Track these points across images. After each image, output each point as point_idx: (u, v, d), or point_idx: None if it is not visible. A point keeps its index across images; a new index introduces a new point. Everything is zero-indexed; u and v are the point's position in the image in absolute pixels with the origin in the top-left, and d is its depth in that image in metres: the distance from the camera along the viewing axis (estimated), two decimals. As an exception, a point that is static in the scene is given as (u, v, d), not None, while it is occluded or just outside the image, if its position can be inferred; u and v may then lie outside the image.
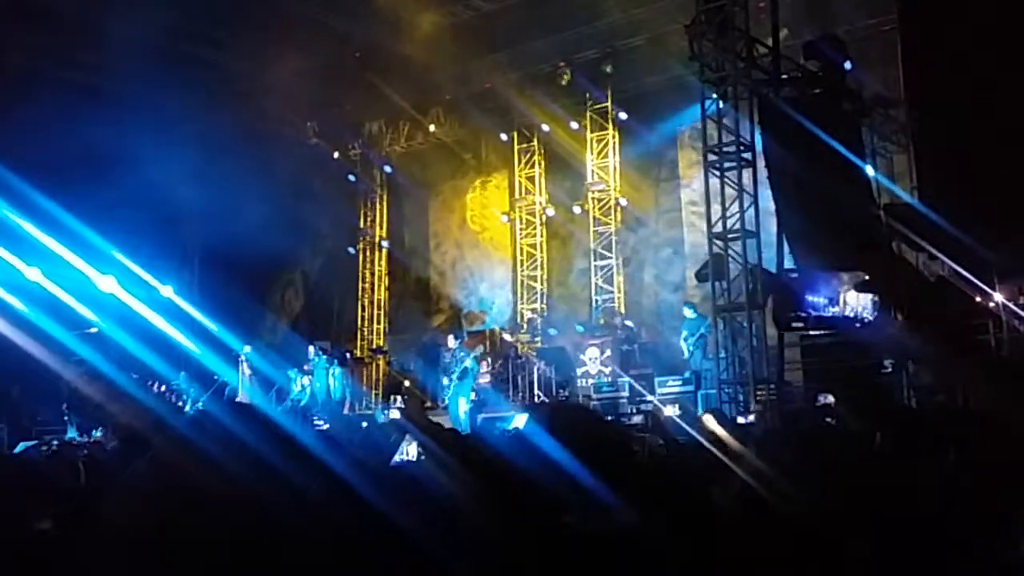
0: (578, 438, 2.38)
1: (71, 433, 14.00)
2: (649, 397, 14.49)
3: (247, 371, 17.36)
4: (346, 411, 16.88)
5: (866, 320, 12.16)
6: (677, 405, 13.57)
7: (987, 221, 11.72)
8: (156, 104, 16.68)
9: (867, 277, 12.19)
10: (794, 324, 12.31)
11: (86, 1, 14.98)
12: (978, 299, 12.77)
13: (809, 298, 12.04)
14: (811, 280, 12.17)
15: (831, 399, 10.32)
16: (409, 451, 3.89)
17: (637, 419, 12.76)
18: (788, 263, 12.81)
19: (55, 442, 9.75)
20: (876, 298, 12.27)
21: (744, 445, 3.69)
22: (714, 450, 4.20)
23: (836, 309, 12.14)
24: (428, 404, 17.54)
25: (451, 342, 15.78)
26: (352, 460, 3.18)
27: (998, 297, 12.61)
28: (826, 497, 2.31)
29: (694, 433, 5.90)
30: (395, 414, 15.37)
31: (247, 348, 17.42)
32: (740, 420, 6.94)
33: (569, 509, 2.36)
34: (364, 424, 13.24)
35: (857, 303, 12.23)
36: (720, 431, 4.01)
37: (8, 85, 15.81)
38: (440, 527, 2.18)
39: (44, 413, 15.05)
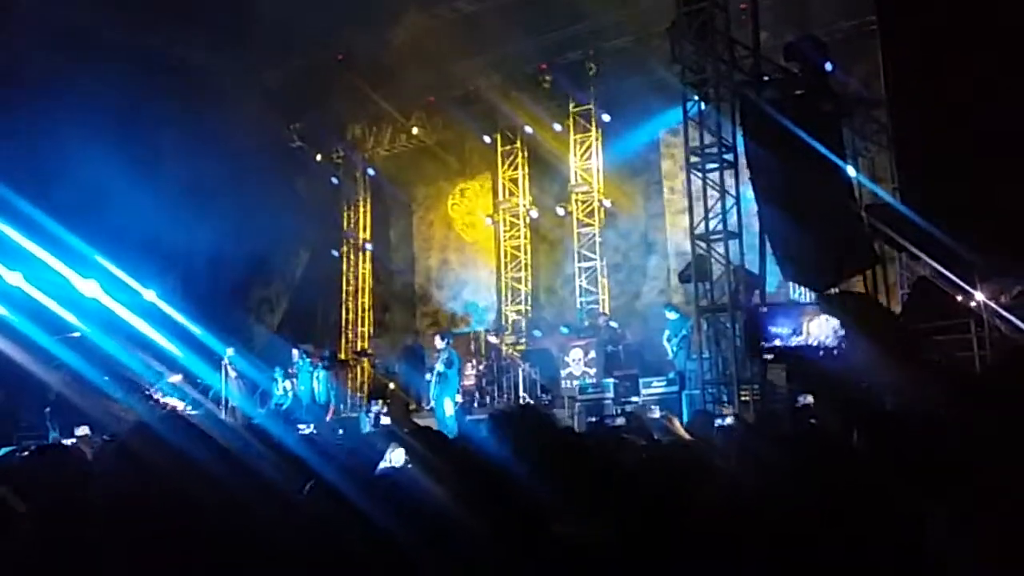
0: (529, 444, 2.39)
1: (53, 436, 13.91)
2: (633, 398, 14.51)
3: (232, 373, 17.28)
4: (330, 415, 16.82)
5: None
6: (658, 407, 13.61)
7: (969, 221, 11.77)
8: (137, 107, 16.57)
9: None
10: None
11: (66, 3, 14.89)
12: (960, 299, 12.84)
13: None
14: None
15: (811, 399, 10.37)
16: (394, 458, 3.86)
17: (621, 420, 12.79)
18: (770, 263, 12.89)
19: (34, 446, 9.69)
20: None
21: (725, 446, 3.72)
22: (697, 450, 4.23)
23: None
24: (413, 406, 17.53)
25: (438, 343, 15.72)
26: (337, 466, 3.18)
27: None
28: (805, 497, 2.34)
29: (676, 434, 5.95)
30: (385, 420, 15.33)
31: (230, 351, 17.35)
32: (718, 422, 6.98)
33: (556, 514, 2.37)
34: (340, 431, 13.21)
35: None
36: (684, 435, 4.04)
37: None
38: (427, 533, 2.19)
39: (27, 418, 14.95)
